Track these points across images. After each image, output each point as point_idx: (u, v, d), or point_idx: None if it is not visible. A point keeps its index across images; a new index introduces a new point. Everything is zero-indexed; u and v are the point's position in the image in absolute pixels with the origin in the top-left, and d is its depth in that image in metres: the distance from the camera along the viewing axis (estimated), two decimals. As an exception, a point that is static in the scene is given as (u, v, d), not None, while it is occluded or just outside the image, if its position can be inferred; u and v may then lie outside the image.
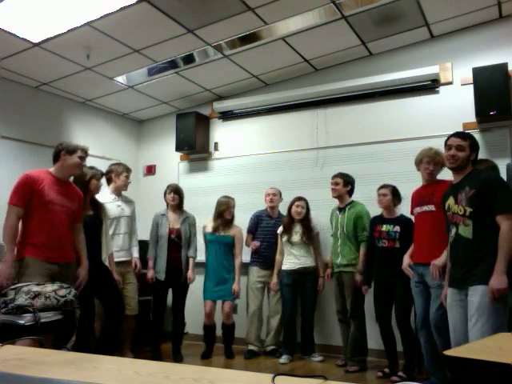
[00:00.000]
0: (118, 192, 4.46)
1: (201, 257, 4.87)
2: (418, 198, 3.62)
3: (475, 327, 2.51)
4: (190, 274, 4.59)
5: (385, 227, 4.05)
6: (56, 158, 3.29)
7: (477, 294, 2.54)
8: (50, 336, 2.37)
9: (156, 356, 4.45)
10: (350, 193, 4.46)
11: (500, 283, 2.48)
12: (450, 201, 2.77)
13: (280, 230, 4.73)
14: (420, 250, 3.52)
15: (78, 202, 3.38)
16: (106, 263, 3.94)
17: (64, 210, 3.21)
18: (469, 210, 2.62)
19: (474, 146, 2.77)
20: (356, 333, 4.23)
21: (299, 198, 4.68)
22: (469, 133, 2.99)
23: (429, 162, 3.58)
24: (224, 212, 4.74)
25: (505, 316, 2.54)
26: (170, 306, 4.76)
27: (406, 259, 3.63)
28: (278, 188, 4.97)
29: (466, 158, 2.73)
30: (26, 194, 3.08)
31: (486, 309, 2.50)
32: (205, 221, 4.88)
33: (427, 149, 3.66)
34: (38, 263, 3.03)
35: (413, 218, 3.77)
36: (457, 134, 2.82)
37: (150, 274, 4.54)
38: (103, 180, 4.24)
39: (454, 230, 2.73)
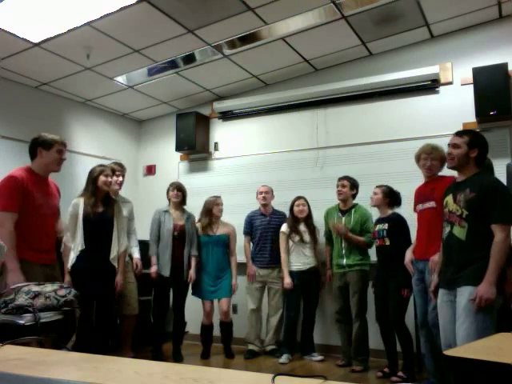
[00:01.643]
0: (113, 192, 4.43)
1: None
2: (420, 195, 3.60)
3: (462, 327, 2.52)
4: (192, 273, 4.59)
5: (378, 227, 4.09)
6: (33, 154, 3.15)
7: (464, 295, 2.54)
8: (51, 336, 2.38)
9: (157, 356, 4.44)
10: (354, 196, 4.51)
11: (488, 293, 2.46)
12: (449, 198, 2.75)
13: (285, 228, 4.69)
14: (420, 246, 3.52)
15: (58, 196, 3.31)
16: (114, 263, 3.87)
17: (51, 213, 3.17)
18: (465, 212, 2.61)
19: (472, 142, 2.69)
20: (360, 332, 4.23)
21: (299, 197, 4.69)
22: (471, 130, 2.91)
23: (426, 158, 3.56)
24: (212, 210, 4.76)
25: (491, 318, 2.52)
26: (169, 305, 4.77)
27: (409, 254, 3.63)
28: (270, 186, 4.96)
29: (462, 155, 2.68)
30: (19, 198, 2.94)
31: (472, 311, 2.49)
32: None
33: (425, 145, 3.65)
34: (36, 266, 3.00)
35: (415, 215, 3.74)
36: (455, 133, 2.79)
37: (154, 269, 4.50)
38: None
39: (448, 229, 2.72)
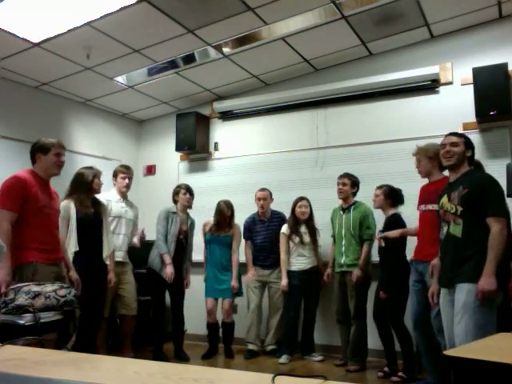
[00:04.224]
0: (121, 193, 4.47)
1: (199, 256, 4.91)
2: (424, 195, 3.56)
3: (460, 325, 2.53)
4: (189, 278, 4.72)
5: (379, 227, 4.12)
6: (33, 160, 3.18)
7: (462, 292, 2.56)
8: (52, 336, 2.38)
9: (158, 356, 4.43)
10: (355, 194, 4.49)
11: (489, 284, 2.49)
12: (444, 199, 2.79)
13: (285, 230, 4.69)
14: (421, 247, 3.51)
15: (58, 200, 3.36)
16: (107, 262, 3.94)
17: (53, 213, 3.20)
18: (460, 209, 2.64)
19: (468, 143, 2.81)
20: (357, 333, 4.24)
21: (301, 198, 4.67)
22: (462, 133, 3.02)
23: (416, 159, 3.56)
24: (218, 214, 4.79)
25: (491, 314, 2.53)
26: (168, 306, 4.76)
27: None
28: (269, 189, 4.92)
29: (461, 153, 2.76)
30: (20, 198, 2.96)
31: (470, 307, 2.51)
32: (205, 220, 4.89)
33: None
34: (44, 267, 3.01)
35: (417, 214, 3.71)
36: (450, 133, 2.88)
37: (170, 269, 4.45)
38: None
39: (445, 228, 2.75)
